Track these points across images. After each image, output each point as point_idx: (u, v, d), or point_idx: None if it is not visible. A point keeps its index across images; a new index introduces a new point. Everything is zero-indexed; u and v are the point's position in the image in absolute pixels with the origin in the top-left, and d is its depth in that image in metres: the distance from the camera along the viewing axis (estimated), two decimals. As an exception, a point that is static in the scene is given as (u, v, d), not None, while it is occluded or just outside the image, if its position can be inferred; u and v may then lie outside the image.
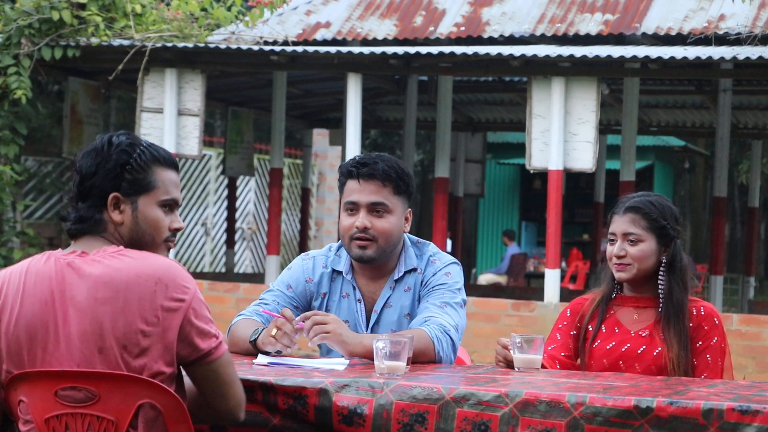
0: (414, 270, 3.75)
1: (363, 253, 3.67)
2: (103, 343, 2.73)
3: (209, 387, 2.85)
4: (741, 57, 9.92)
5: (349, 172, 3.69)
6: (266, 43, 11.62)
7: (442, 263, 3.76)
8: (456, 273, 3.76)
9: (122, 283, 2.73)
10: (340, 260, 3.79)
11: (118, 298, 2.72)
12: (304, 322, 3.44)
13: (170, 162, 2.93)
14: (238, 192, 17.61)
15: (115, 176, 2.84)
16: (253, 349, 3.51)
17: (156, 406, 2.76)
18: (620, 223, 3.80)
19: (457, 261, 3.82)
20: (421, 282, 3.74)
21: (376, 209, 3.66)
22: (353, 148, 11.00)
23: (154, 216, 2.88)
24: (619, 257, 3.78)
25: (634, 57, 10.18)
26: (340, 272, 3.79)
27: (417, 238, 3.84)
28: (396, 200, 3.69)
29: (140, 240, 2.88)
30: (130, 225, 2.86)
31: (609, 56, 10.15)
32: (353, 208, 3.68)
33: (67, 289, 2.76)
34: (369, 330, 3.72)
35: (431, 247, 3.81)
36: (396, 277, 3.74)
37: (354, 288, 3.76)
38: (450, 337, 3.57)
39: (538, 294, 12.49)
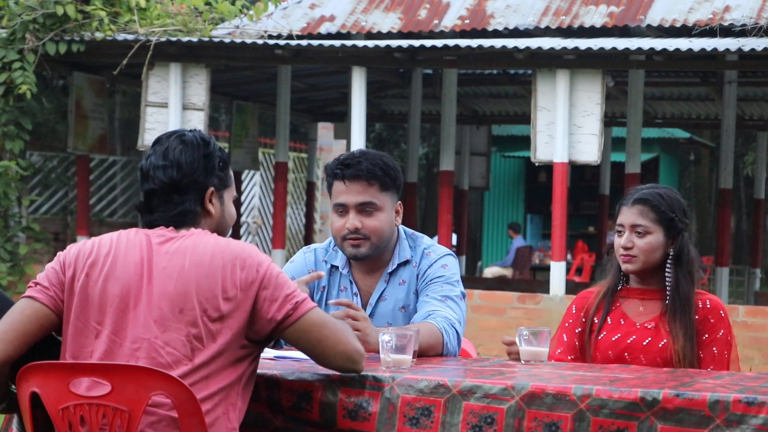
0: (408, 262, 3.76)
1: (357, 252, 3.69)
2: (185, 305, 2.87)
3: (306, 348, 2.96)
4: (746, 48, 9.91)
5: (334, 173, 3.70)
6: (270, 36, 11.62)
7: (437, 255, 3.76)
8: (452, 264, 3.76)
9: (207, 254, 2.91)
10: (337, 255, 3.81)
11: (203, 265, 2.89)
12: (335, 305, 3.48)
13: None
14: (243, 186, 17.62)
15: (213, 172, 3.03)
16: None
17: (169, 398, 2.79)
18: (628, 215, 3.79)
19: (452, 252, 3.82)
20: (417, 276, 3.74)
21: (365, 209, 3.67)
22: (358, 141, 11.00)
23: (231, 210, 3.12)
24: (626, 249, 3.77)
25: (639, 49, 10.17)
26: (337, 267, 3.79)
27: (412, 231, 3.85)
28: (384, 196, 3.69)
29: (222, 232, 3.10)
30: (217, 218, 3.07)
31: (614, 48, 10.14)
32: (342, 209, 3.69)
33: (155, 256, 2.93)
34: None
35: (425, 240, 3.82)
36: (390, 270, 3.76)
37: (351, 282, 3.78)
38: (456, 330, 3.59)
39: (543, 286, 12.48)
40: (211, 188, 3.03)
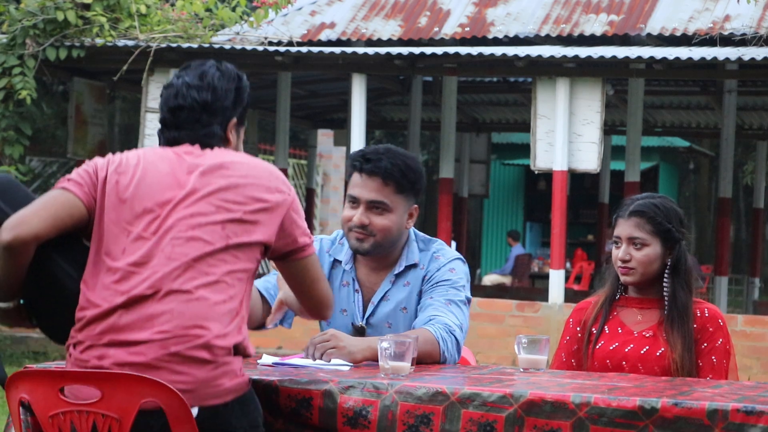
0: (415, 265, 3.74)
1: (360, 246, 3.67)
2: (224, 204, 2.94)
3: (298, 283, 3.10)
4: (746, 58, 9.92)
5: (353, 164, 3.68)
6: (271, 43, 11.62)
7: (446, 259, 3.73)
8: (460, 269, 3.73)
9: (244, 162, 3.02)
10: (342, 250, 3.78)
11: (241, 170, 2.99)
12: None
13: None
14: (242, 192, 17.57)
15: (240, 105, 3.12)
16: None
17: (159, 404, 2.78)
18: (625, 227, 3.78)
19: (461, 257, 3.78)
20: (423, 278, 3.71)
21: (375, 206, 3.64)
22: (357, 148, 10.99)
23: (242, 149, 3.17)
24: (624, 261, 3.77)
25: (639, 58, 10.18)
26: (340, 262, 3.78)
27: (424, 235, 3.82)
28: (398, 198, 3.65)
29: None
30: (233, 149, 3.12)
31: (614, 57, 10.15)
32: (354, 201, 3.67)
33: (188, 164, 2.99)
34: (364, 321, 3.72)
35: (437, 244, 3.79)
36: (397, 272, 3.72)
37: (353, 279, 3.75)
38: (455, 337, 3.56)
39: (542, 295, 12.48)
40: (235, 119, 3.10)
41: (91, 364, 2.85)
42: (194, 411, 2.83)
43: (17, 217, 2.88)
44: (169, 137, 3.06)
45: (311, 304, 3.14)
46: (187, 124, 3.05)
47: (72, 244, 2.98)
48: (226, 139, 3.09)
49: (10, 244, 2.85)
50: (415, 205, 3.74)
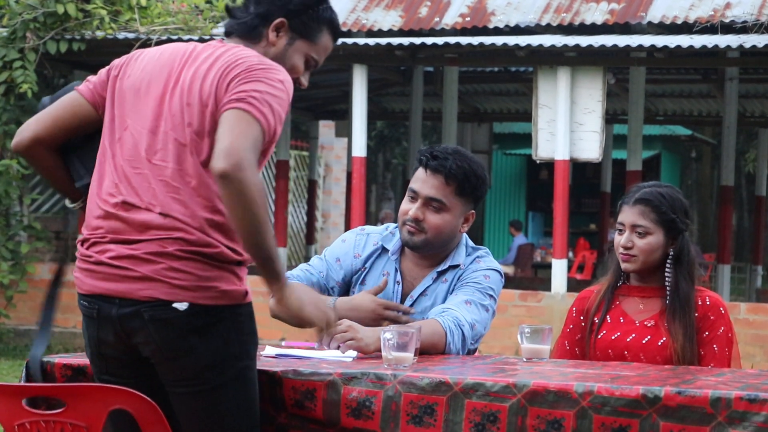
0: (458, 266, 3.76)
1: (410, 239, 3.69)
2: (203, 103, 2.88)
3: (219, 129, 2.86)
4: (747, 45, 9.91)
5: (420, 159, 3.73)
6: (271, 35, 11.60)
7: (486, 265, 3.76)
8: (495, 280, 3.74)
9: (234, 54, 2.90)
10: (393, 239, 3.81)
11: (225, 65, 2.89)
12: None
13: (338, 35, 3.22)
14: (244, 184, 17.54)
15: (296, 8, 3.04)
16: None
17: (128, 411, 2.80)
18: (629, 214, 3.79)
19: (501, 271, 3.80)
20: (460, 277, 3.74)
21: (432, 204, 3.67)
22: (359, 139, 11.00)
23: (297, 62, 3.10)
24: (626, 248, 3.77)
25: (640, 46, 10.17)
26: (387, 251, 3.80)
27: (475, 245, 3.84)
28: (457, 200, 3.68)
29: None
30: (276, 53, 3.04)
31: (615, 45, 10.14)
32: (414, 195, 3.70)
33: (189, 56, 2.95)
34: (400, 314, 3.73)
35: (483, 251, 3.83)
36: (440, 269, 3.75)
37: (396, 270, 3.78)
38: (462, 331, 3.56)
39: (545, 284, 12.48)
40: (282, 19, 3.03)
41: (94, 259, 2.90)
42: (183, 306, 2.82)
43: (24, 124, 3.02)
44: (227, 25, 3.06)
45: (218, 146, 2.82)
46: (238, 12, 3.06)
47: (91, 144, 3.04)
48: (268, 40, 3.03)
49: (15, 149, 3.01)
50: (472, 211, 3.77)
